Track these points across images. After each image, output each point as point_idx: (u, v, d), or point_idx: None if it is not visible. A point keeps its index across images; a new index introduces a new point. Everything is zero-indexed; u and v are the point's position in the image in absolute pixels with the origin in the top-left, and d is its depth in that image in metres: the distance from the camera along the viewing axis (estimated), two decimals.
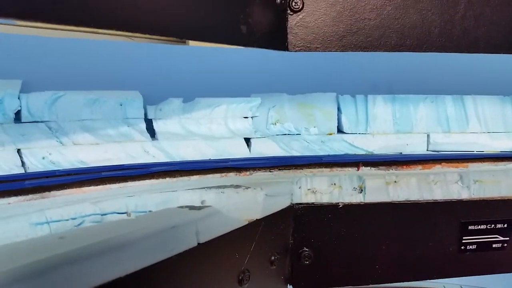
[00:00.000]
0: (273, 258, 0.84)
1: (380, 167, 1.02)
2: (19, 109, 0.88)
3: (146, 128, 1.01)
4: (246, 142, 1.09)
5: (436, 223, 0.95)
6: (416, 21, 0.90)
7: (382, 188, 0.92)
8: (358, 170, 1.00)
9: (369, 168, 1.01)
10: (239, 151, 1.08)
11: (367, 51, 0.88)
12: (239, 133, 1.10)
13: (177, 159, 1.01)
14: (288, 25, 0.84)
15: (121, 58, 1.10)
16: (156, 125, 1.02)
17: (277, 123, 1.14)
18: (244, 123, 1.11)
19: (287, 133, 1.13)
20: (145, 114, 1.02)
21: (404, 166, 1.03)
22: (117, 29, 0.60)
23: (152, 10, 0.65)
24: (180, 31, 0.68)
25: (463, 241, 0.96)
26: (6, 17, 0.52)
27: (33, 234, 0.62)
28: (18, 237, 0.61)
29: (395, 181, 0.94)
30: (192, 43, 1.32)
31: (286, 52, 1.22)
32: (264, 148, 1.10)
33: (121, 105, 0.97)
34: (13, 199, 0.73)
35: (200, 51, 1.23)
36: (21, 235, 0.61)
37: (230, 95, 1.11)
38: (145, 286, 0.59)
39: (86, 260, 0.51)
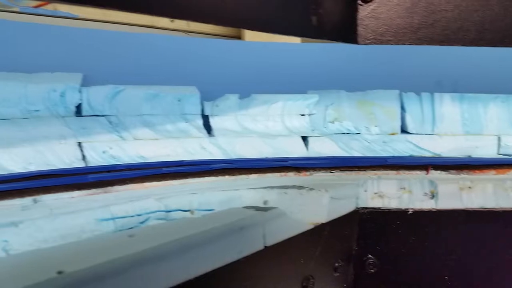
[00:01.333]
0: (337, 264, 0.79)
1: (451, 171, 0.95)
2: (80, 102, 0.88)
3: (203, 124, 0.98)
4: (303, 141, 1.05)
5: None
6: (498, 13, 0.83)
7: (455, 194, 0.85)
8: (427, 173, 0.93)
9: (438, 172, 0.94)
10: (296, 150, 1.04)
11: (444, 45, 0.82)
12: (296, 131, 1.06)
13: (233, 156, 0.99)
14: (358, 17, 0.79)
15: (178, 53, 1.08)
16: (212, 121, 1.00)
17: (335, 121, 1.08)
18: (301, 120, 1.07)
19: (346, 132, 1.08)
20: (202, 110, 0.99)
21: (477, 171, 0.96)
22: (189, 19, 0.57)
23: (226, 1, 0.61)
24: (249, 22, 0.65)
25: None
26: (66, 1, 0.50)
27: (99, 230, 0.61)
28: (84, 233, 0.59)
29: (469, 187, 0.86)
30: (248, 37, 1.29)
31: (344, 47, 1.16)
32: (322, 147, 1.05)
33: (179, 100, 0.95)
34: (76, 193, 0.72)
35: (256, 46, 1.19)
36: (87, 230, 0.60)
37: (287, 92, 1.07)
38: None
39: (157, 261, 0.49)
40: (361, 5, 0.80)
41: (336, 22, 0.75)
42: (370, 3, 0.80)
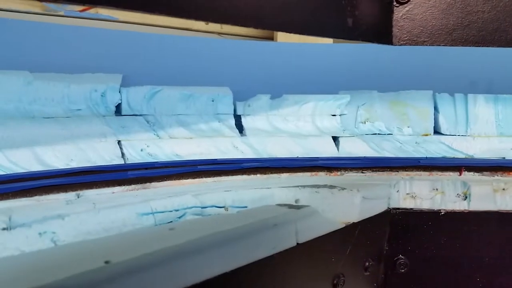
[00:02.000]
0: (367, 264, 0.80)
1: (484, 172, 0.93)
2: (120, 102, 0.91)
3: (235, 124, 1.01)
4: (334, 141, 1.06)
5: None
6: None
7: (489, 195, 0.84)
8: (460, 175, 0.93)
9: (472, 173, 0.93)
10: (327, 150, 1.05)
11: (480, 46, 0.81)
12: (327, 131, 1.07)
13: (265, 155, 1.00)
14: (394, 18, 0.80)
15: (212, 54, 1.11)
16: (244, 121, 1.02)
17: (366, 122, 1.09)
18: (332, 121, 1.08)
19: (377, 132, 1.08)
20: (234, 110, 1.02)
21: (511, 173, 0.94)
22: (227, 22, 0.59)
23: (259, 3, 0.63)
24: (286, 25, 0.66)
25: None
26: (105, 5, 0.53)
27: (140, 224, 0.64)
28: (126, 226, 0.62)
29: (503, 189, 0.85)
30: (280, 39, 1.31)
31: (376, 47, 1.16)
32: (353, 148, 1.05)
33: (213, 101, 0.98)
34: (117, 189, 0.75)
35: (288, 47, 1.21)
36: (128, 224, 0.63)
37: (318, 92, 1.08)
38: (247, 282, 0.58)
39: (196, 253, 0.51)
40: (396, 6, 0.80)
41: (371, 23, 0.76)
42: (405, 5, 0.80)
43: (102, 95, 0.90)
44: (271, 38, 1.33)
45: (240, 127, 1.02)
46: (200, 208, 0.70)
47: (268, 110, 1.04)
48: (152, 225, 0.65)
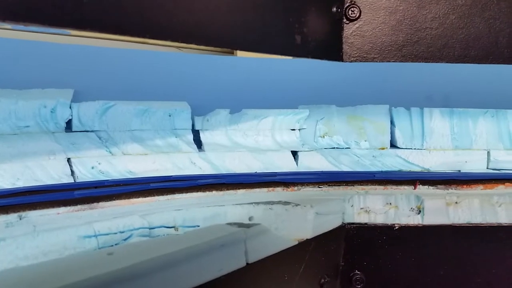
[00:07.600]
0: (322, 280, 0.79)
1: (439, 186, 0.95)
2: (70, 118, 0.89)
3: (193, 139, 0.99)
4: (293, 155, 1.06)
5: (500, 249, 0.88)
6: (482, 30, 0.84)
7: (442, 209, 0.85)
8: (415, 188, 0.94)
9: (426, 187, 0.95)
10: (286, 165, 1.05)
11: (428, 62, 0.83)
12: (286, 146, 1.06)
13: (223, 171, 0.99)
14: (344, 35, 0.80)
15: (170, 69, 1.10)
16: (203, 136, 1.01)
17: (325, 136, 1.09)
18: (291, 135, 1.08)
19: (335, 146, 1.08)
20: (193, 125, 1.00)
21: (464, 186, 0.96)
22: (173, 40, 0.59)
23: (208, 22, 0.63)
24: (233, 42, 0.66)
25: None
26: (64, 27, 0.52)
27: (81, 248, 0.61)
28: (67, 250, 0.60)
29: (456, 202, 0.87)
30: (240, 53, 1.31)
31: (336, 62, 1.17)
32: (311, 162, 1.06)
33: (169, 115, 0.96)
34: (62, 209, 0.73)
35: (248, 62, 1.21)
36: (69, 247, 0.60)
37: (278, 107, 1.08)
38: None
39: (134, 279, 0.49)
40: (346, 23, 0.81)
41: (321, 40, 0.77)
42: (355, 22, 0.81)
43: (51, 111, 0.87)
44: (230, 53, 1.33)
45: (198, 143, 1.01)
46: (148, 229, 0.68)
47: (227, 125, 1.03)
48: (95, 248, 0.62)
